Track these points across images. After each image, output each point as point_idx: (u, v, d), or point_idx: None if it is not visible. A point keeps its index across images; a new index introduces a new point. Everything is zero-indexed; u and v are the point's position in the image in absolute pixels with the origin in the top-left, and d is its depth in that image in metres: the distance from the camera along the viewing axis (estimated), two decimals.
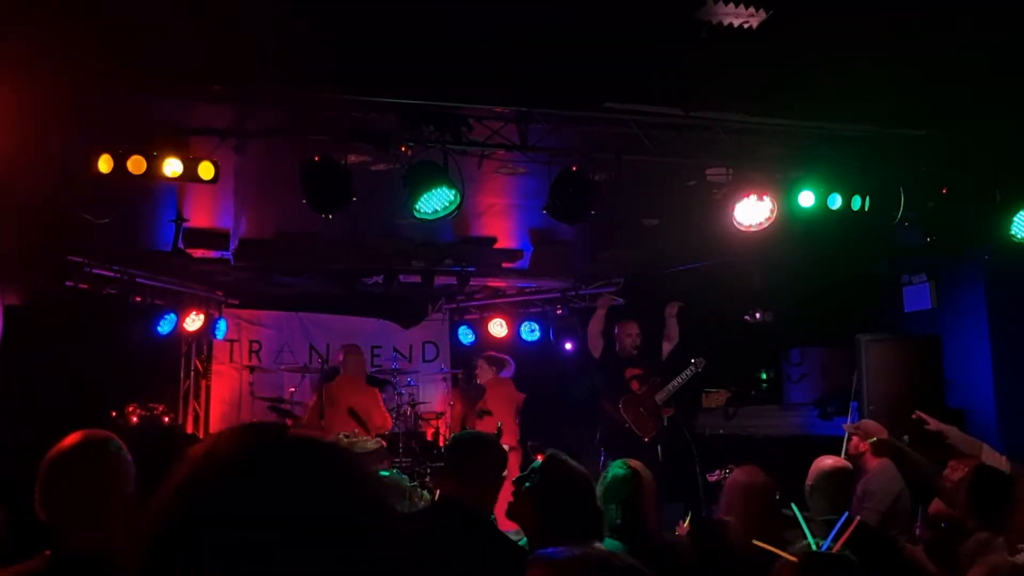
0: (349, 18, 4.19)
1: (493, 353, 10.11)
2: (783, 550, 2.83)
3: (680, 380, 7.99)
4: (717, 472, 5.78)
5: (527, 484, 3.26)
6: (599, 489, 3.77)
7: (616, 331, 8.24)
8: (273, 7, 4.08)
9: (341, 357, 9.21)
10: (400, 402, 9.46)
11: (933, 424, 5.81)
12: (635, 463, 3.82)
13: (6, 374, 6.72)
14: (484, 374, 9.57)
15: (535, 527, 3.25)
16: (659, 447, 7.67)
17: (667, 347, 8.22)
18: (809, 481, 4.31)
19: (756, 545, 3.04)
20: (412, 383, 9.74)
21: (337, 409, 8.32)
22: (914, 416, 5.89)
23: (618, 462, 3.83)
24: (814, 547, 2.74)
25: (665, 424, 7.94)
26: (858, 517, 3.33)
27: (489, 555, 2.94)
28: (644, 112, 5.16)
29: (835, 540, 2.77)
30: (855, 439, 5.60)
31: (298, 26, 4.18)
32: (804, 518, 3.54)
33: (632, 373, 8.04)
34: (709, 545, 3.83)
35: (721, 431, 8.73)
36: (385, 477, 4.06)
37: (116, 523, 2.31)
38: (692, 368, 7.97)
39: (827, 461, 4.40)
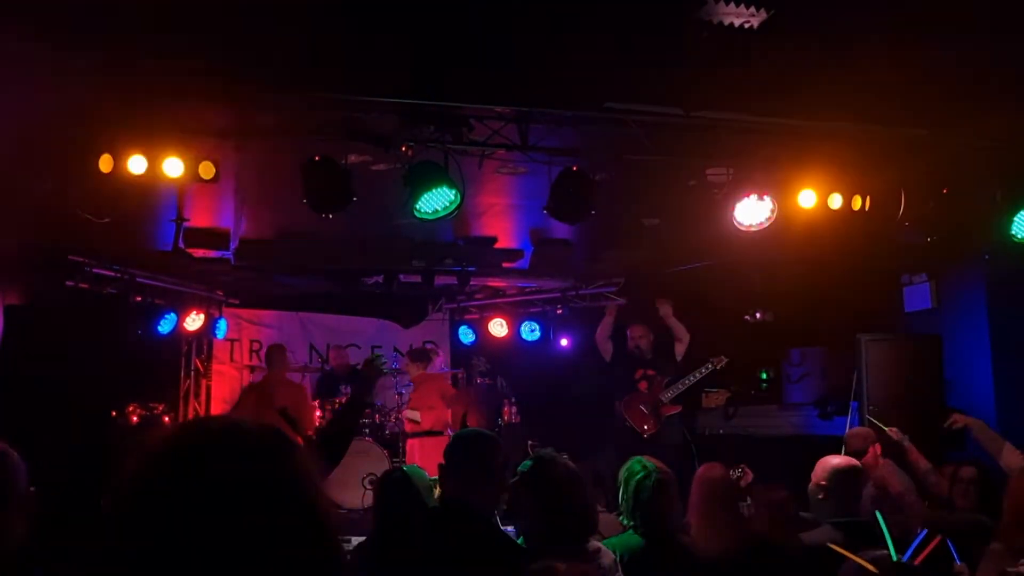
0: (350, 17, 4.19)
1: (417, 348, 10.04)
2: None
3: (691, 378, 8.04)
4: (730, 471, 5.80)
5: (523, 484, 3.27)
6: (620, 486, 3.81)
7: (628, 334, 8.34)
8: (274, 6, 4.08)
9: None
10: (400, 402, 9.50)
11: (961, 420, 5.84)
12: (660, 463, 3.87)
13: (7, 374, 6.72)
14: (411, 370, 9.30)
15: (530, 526, 3.26)
16: (663, 444, 7.70)
17: (680, 348, 8.26)
18: (822, 481, 4.04)
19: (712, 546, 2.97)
20: (412, 383, 9.75)
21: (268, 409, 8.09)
22: (949, 424, 5.90)
23: (643, 461, 3.87)
24: (895, 558, 2.68)
25: (664, 421, 7.96)
26: (939, 536, 3.26)
27: (491, 555, 2.94)
28: (645, 112, 5.15)
29: (915, 555, 2.72)
30: (871, 450, 5.58)
31: (299, 25, 4.18)
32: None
33: (642, 373, 8.11)
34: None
35: (721, 431, 8.74)
36: (411, 474, 4.11)
37: (15, 522, 2.36)
38: (709, 366, 7.99)
39: (836, 460, 4.14)
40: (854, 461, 4.16)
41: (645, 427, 7.88)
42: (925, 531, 2.93)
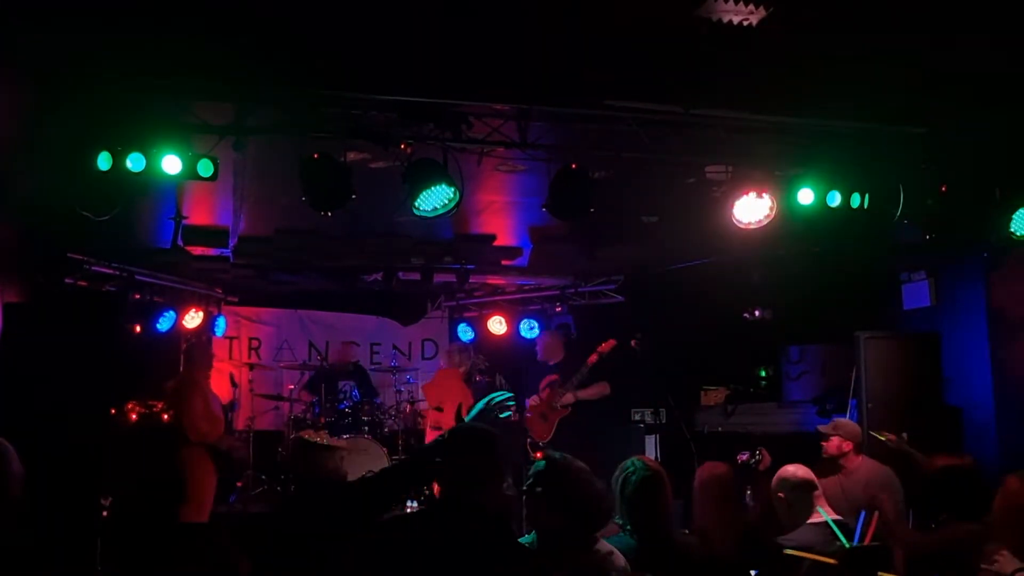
0: (349, 14, 4.18)
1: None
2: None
3: (580, 374, 8.02)
4: (747, 454, 5.81)
5: (538, 488, 3.26)
6: (615, 487, 3.82)
7: (546, 339, 8.55)
8: (274, 4, 4.08)
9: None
10: (399, 399, 9.52)
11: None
12: (651, 461, 3.89)
13: (5, 371, 6.71)
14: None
15: (557, 526, 3.25)
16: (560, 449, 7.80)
17: (593, 357, 8.15)
18: (780, 492, 4.23)
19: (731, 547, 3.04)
20: (411, 380, 9.78)
21: None
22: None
23: (634, 460, 3.88)
24: (847, 546, 2.79)
25: (558, 426, 8.05)
26: (877, 512, 3.36)
27: (494, 553, 2.93)
28: (644, 109, 5.15)
29: (863, 538, 2.84)
30: (835, 439, 5.65)
31: (298, 23, 4.18)
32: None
33: (547, 380, 8.23)
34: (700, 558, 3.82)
35: (720, 428, 8.74)
36: None
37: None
38: (596, 356, 7.94)
39: (790, 469, 4.34)
40: (805, 472, 4.27)
41: (540, 434, 8.05)
42: (864, 514, 3.06)
